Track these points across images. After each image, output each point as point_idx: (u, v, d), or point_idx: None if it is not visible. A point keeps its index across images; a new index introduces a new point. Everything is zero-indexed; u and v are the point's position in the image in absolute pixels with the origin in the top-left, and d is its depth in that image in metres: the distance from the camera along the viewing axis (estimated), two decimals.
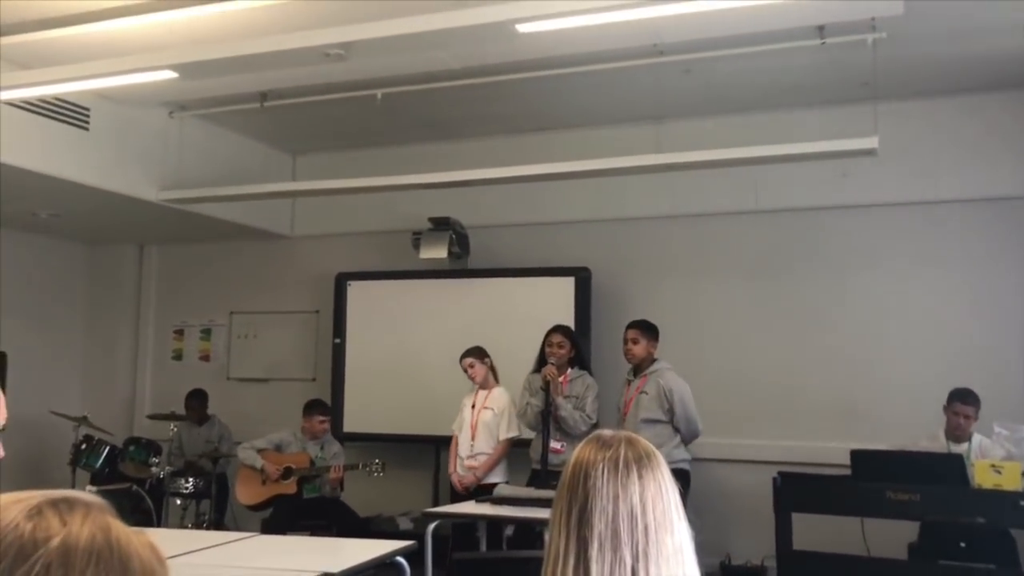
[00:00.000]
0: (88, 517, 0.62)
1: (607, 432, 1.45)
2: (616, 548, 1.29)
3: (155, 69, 4.90)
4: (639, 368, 5.50)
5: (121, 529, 0.63)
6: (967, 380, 5.46)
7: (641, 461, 1.37)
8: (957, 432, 5.33)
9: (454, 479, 5.84)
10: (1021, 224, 6.06)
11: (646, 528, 1.31)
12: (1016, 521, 4.66)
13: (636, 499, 1.33)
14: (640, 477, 1.35)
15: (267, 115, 6.70)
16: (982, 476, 4.84)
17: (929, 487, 4.88)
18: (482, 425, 5.80)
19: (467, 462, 5.80)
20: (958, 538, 5.05)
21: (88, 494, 0.64)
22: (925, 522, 5.25)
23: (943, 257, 6.37)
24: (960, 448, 5.28)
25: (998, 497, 4.72)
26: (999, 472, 4.78)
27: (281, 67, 5.56)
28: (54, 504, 0.62)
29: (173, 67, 4.95)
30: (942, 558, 5.09)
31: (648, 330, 5.52)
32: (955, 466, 4.97)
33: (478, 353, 5.90)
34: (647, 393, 5.38)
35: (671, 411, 5.33)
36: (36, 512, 0.61)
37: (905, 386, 6.10)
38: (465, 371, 5.90)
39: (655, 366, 5.47)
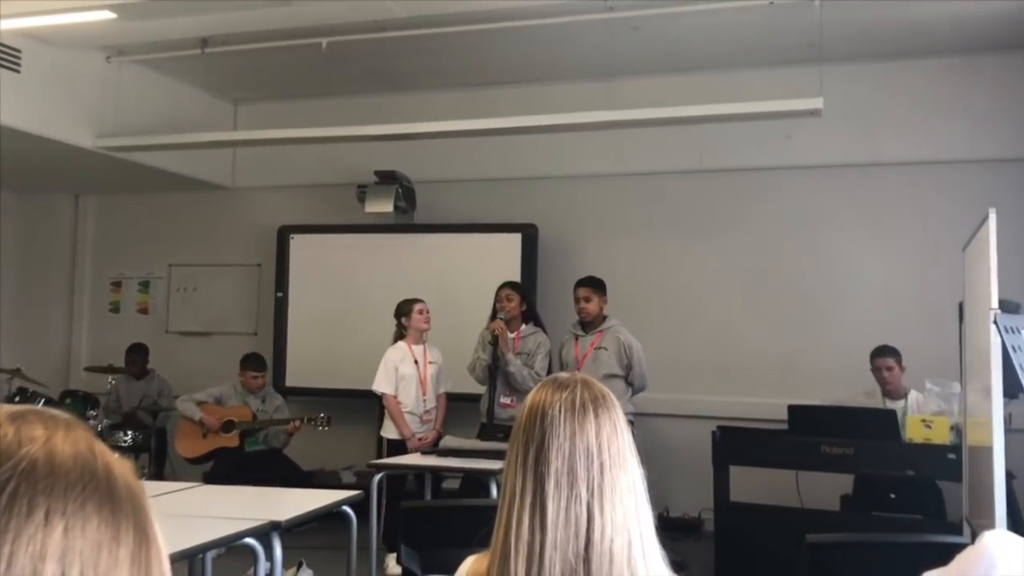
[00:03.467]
0: (71, 427, 0.61)
1: (563, 375, 1.47)
2: (572, 484, 1.31)
3: (92, 9, 4.75)
4: (591, 324, 5.54)
5: (104, 446, 0.62)
6: (903, 338, 5.62)
7: (597, 402, 1.40)
8: (889, 387, 5.49)
9: (414, 443, 5.60)
10: (958, 187, 6.21)
11: (601, 466, 1.33)
12: (944, 473, 4.83)
13: (592, 437, 1.35)
14: (596, 416, 1.37)
15: (208, 62, 6.54)
16: (913, 430, 5.00)
17: (862, 441, 5.03)
18: (430, 380, 5.78)
19: (424, 416, 5.75)
20: (889, 490, 5.23)
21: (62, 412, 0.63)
22: (858, 475, 5.42)
23: (883, 218, 6.51)
24: (897, 404, 5.44)
25: (927, 450, 4.89)
26: (929, 427, 4.95)
27: (223, 11, 5.43)
28: (36, 412, 0.61)
29: (110, 7, 4.80)
30: (873, 509, 5.27)
31: (598, 287, 5.56)
32: (888, 421, 5.13)
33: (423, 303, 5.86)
34: (606, 349, 5.43)
35: (629, 366, 5.41)
36: (19, 416, 0.60)
37: (843, 343, 6.24)
38: (416, 315, 5.77)
39: (609, 322, 5.53)
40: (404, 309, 5.84)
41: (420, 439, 5.63)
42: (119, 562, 0.59)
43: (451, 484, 5.77)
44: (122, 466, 0.62)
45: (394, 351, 5.81)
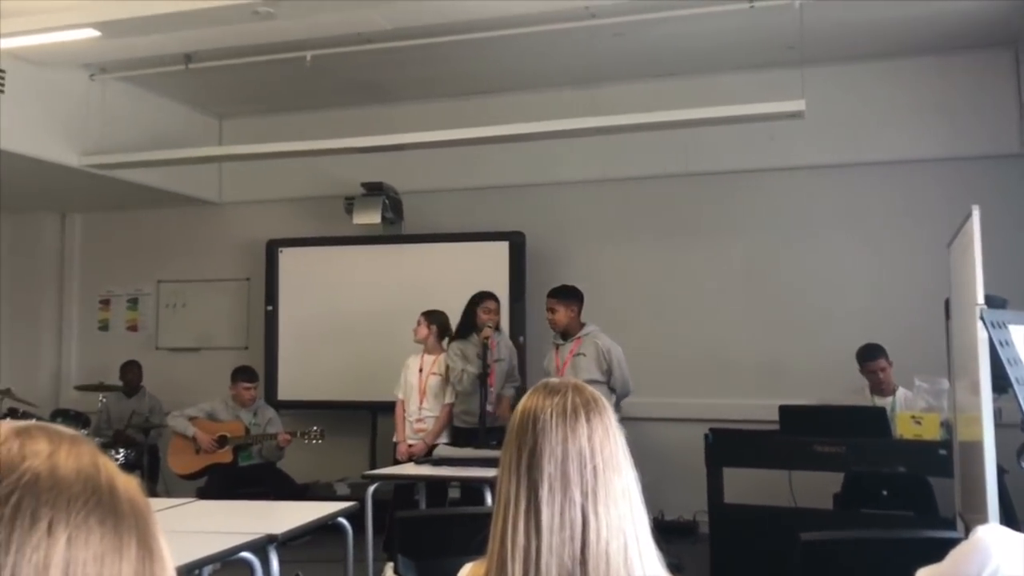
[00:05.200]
0: (76, 443, 0.62)
1: (554, 380, 1.48)
2: (566, 488, 1.32)
3: (76, 27, 4.74)
4: (568, 332, 5.54)
5: (109, 462, 0.63)
6: (890, 335, 5.66)
7: (589, 406, 1.40)
8: (881, 387, 5.53)
9: (403, 448, 5.74)
10: (941, 185, 6.25)
11: (595, 469, 1.34)
12: (935, 469, 4.85)
13: (584, 441, 1.35)
14: (588, 420, 1.38)
15: (192, 77, 6.54)
16: (903, 427, 5.03)
17: (853, 439, 5.06)
18: (430, 389, 5.81)
19: (416, 425, 5.78)
20: (880, 487, 5.25)
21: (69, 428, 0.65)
22: (849, 473, 5.44)
23: (867, 217, 6.56)
24: (885, 402, 5.48)
25: (918, 447, 4.92)
26: (919, 423, 4.98)
27: (207, 26, 5.42)
28: (41, 427, 0.62)
29: (94, 25, 4.79)
30: (865, 507, 5.29)
31: (565, 296, 5.55)
32: (878, 418, 5.16)
33: (426, 315, 5.91)
34: (585, 355, 5.43)
35: (609, 372, 5.41)
36: (24, 431, 0.61)
37: (831, 343, 6.26)
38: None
39: (587, 329, 5.53)
40: None
41: (410, 446, 5.68)
42: (122, 574, 0.60)
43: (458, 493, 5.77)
44: (127, 481, 0.63)
45: (412, 356, 6.00)
